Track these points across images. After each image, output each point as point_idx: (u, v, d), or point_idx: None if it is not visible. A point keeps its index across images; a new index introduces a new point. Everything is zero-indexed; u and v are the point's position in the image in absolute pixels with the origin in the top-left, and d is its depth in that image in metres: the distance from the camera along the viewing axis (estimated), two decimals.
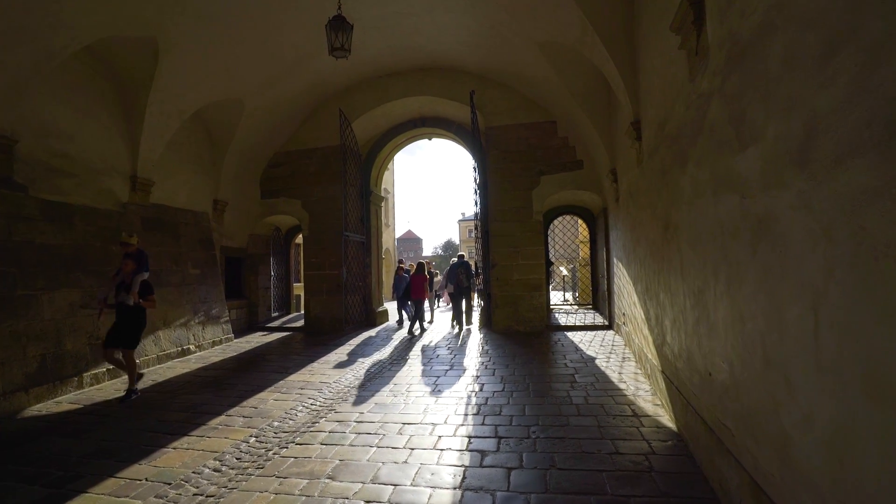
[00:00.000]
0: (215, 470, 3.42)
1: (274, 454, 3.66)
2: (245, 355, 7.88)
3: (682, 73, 3.45)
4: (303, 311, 11.68)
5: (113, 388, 5.89)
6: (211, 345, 8.56)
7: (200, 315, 8.50)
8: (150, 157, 7.54)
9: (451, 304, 10.88)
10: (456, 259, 10.82)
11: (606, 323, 9.22)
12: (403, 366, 6.68)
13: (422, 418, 4.39)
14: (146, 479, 3.27)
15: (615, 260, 8.35)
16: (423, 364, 6.73)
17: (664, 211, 4.20)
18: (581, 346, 7.57)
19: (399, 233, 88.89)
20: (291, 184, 10.85)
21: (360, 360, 7.20)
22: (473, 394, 5.13)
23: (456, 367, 6.46)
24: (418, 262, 10.64)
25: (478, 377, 5.86)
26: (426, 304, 10.68)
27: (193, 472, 3.37)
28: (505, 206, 9.64)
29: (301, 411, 4.71)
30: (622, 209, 7.24)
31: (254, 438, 4.01)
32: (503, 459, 3.40)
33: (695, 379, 3.23)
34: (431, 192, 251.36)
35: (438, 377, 5.93)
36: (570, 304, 12.48)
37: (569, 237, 13.18)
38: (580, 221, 12.12)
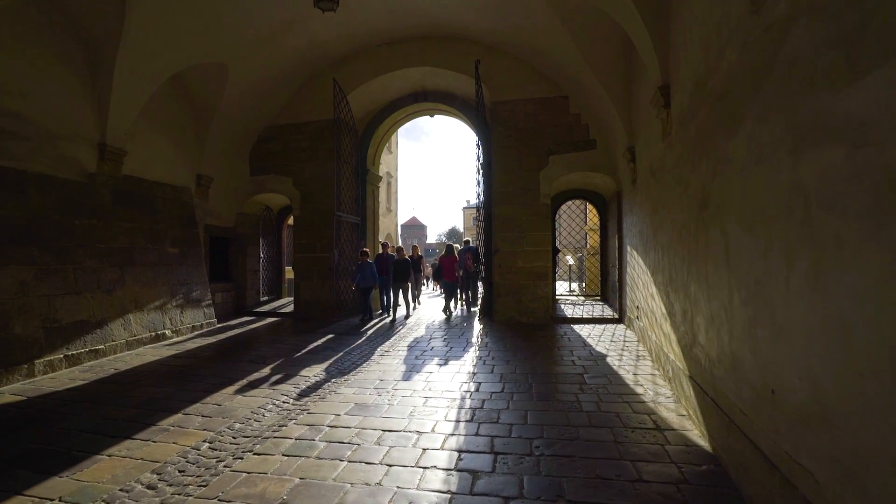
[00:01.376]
0: (149, 487, 2.80)
1: (225, 467, 3.04)
2: (224, 342, 7.29)
3: (738, 9, 2.72)
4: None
5: (69, 376, 5.30)
6: (190, 330, 7.97)
7: (179, 298, 7.89)
8: (121, 124, 6.86)
9: (442, 290, 11.38)
10: (462, 245, 10.22)
11: (616, 316, 8.55)
12: (393, 359, 6.05)
13: (406, 424, 3.76)
14: (59, 500, 2.66)
15: (629, 248, 7.66)
16: (415, 357, 6.11)
17: (700, 187, 3.50)
18: (590, 340, 6.92)
19: (403, 219, 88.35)
20: (282, 160, 10.16)
21: (347, 350, 6.58)
22: (468, 395, 4.49)
23: (451, 362, 5.83)
24: (447, 244, 10.59)
25: (474, 374, 5.23)
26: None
27: (121, 490, 2.75)
28: (510, 187, 8.92)
29: (270, 411, 4.09)
30: (640, 192, 6.52)
31: (207, 445, 3.40)
32: (499, 485, 2.76)
33: (744, 393, 2.57)
34: (436, 179, 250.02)
35: (430, 373, 5.30)
36: (577, 295, 11.79)
37: (576, 224, 12.48)
38: (590, 207, 11.39)
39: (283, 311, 10.28)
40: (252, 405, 4.26)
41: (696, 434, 3.41)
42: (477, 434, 3.53)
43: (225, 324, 8.92)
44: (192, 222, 8.68)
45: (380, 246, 10.66)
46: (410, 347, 6.75)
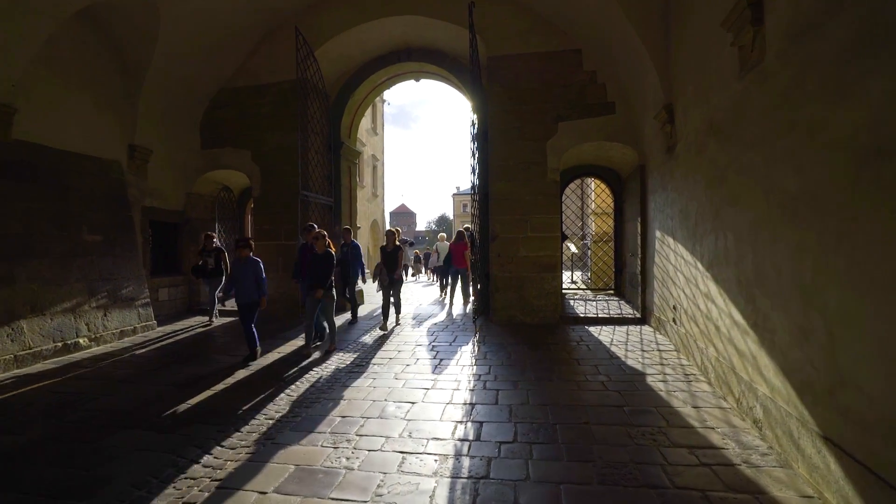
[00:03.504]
0: None
1: None
2: (156, 353, 5.76)
3: None
4: None
5: None
6: (118, 336, 6.42)
7: (102, 296, 6.33)
8: (3, 72, 5.22)
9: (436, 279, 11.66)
10: (463, 229, 8.80)
11: (638, 315, 7.18)
12: (364, 380, 4.60)
13: None
14: None
15: (658, 234, 6.24)
16: (394, 378, 4.66)
17: (865, 124, 2.06)
18: (615, 349, 5.53)
19: (392, 206, 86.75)
20: (239, 130, 8.52)
21: (306, 366, 5.11)
22: (465, 447, 3.07)
23: (440, 384, 4.40)
24: (458, 230, 9.62)
25: (472, 406, 3.80)
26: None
27: None
28: (510, 161, 7.43)
29: (155, 490, 2.62)
30: (683, 161, 5.08)
31: None
32: None
33: None
34: (426, 166, 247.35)
35: (412, 405, 3.86)
36: (584, 289, 10.39)
37: (576, 207, 11.06)
38: (597, 187, 9.94)
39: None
40: (138, 474, 2.78)
41: None
42: None
43: (170, 326, 7.38)
44: (122, 203, 7.06)
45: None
46: (390, 360, 5.30)
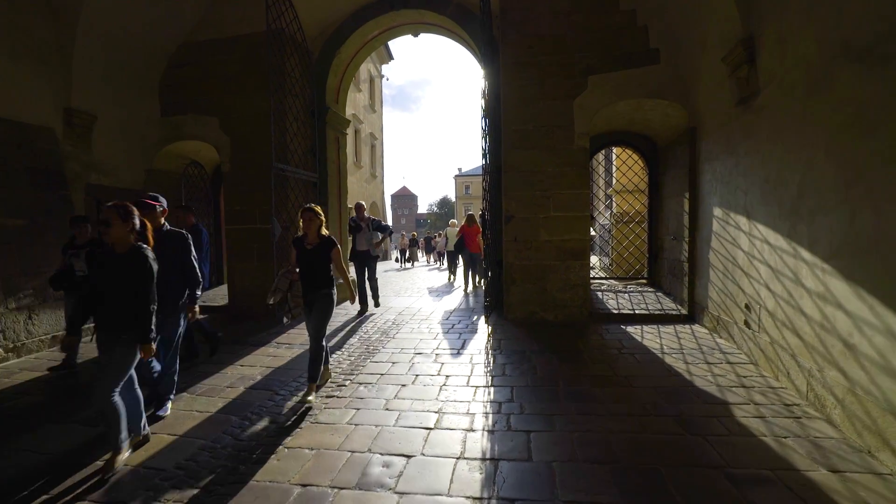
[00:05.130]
0: None
1: None
2: (81, 368, 4.56)
3: None
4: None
5: None
6: (48, 343, 5.23)
7: (25, 294, 5.12)
8: None
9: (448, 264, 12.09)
10: (479, 212, 7.61)
11: (683, 311, 5.93)
12: (343, 412, 3.38)
13: None
14: None
15: (719, 212, 4.95)
16: (384, 408, 3.44)
17: None
18: (670, 361, 4.29)
19: (394, 188, 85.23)
20: (204, 92, 7.18)
21: (265, 391, 3.90)
22: None
23: (447, 420, 3.18)
24: (469, 213, 9.70)
25: (496, 465, 2.58)
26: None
27: None
28: (528, 125, 6.10)
29: None
30: (772, 112, 3.76)
31: None
32: None
33: None
34: (428, 149, 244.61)
35: (407, 462, 2.64)
36: (610, 279, 9.09)
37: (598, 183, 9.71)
38: (621, 158, 8.56)
39: (213, 304, 7.53)
40: None
41: None
42: None
43: None
44: (56, 180, 5.79)
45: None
46: (382, 375, 4.09)
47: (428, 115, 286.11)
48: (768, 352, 3.87)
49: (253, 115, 6.88)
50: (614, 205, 10.63)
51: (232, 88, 7.04)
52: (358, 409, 3.42)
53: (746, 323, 4.33)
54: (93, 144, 6.41)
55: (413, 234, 19.15)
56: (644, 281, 7.74)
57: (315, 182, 7.49)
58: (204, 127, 7.17)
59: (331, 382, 4.01)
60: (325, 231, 3.81)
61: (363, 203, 7.34)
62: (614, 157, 10.34)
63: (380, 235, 7.23)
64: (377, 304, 7.42)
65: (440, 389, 3.78)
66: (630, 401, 3.42)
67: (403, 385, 3.90)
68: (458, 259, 11.71)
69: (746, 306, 4.31)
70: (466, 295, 9.17)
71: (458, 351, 4.88)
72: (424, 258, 22.79)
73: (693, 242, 5.80)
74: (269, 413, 3.38)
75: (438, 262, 20.56)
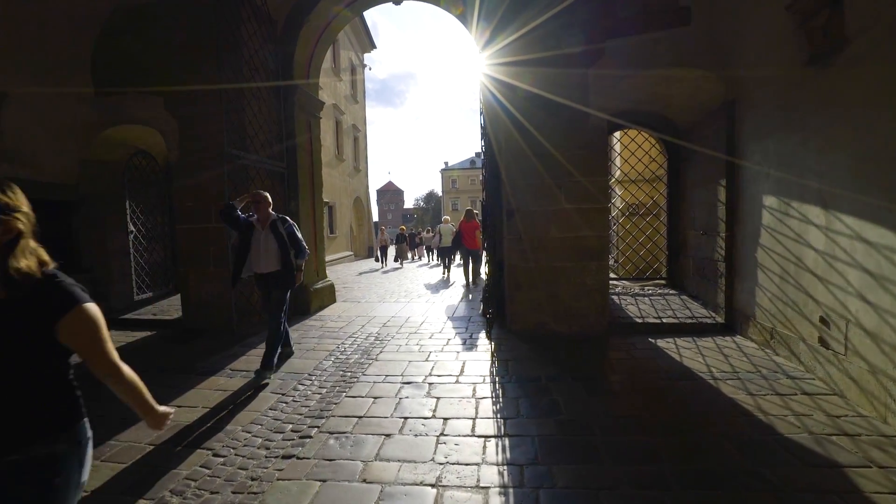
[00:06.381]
0: None
1: None
2: None
3: None
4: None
5: None
6: None
7: None
8: None
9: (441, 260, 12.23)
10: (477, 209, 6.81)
11: (720, 320, 5.03)
12: (302, 488, 2.37)
13: None
14: None
15: (771, 202, 4.05)
16: (361, 479, 2.44)
17: None
18: (729, 390, 3.36)
19: (379, 183, 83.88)
20: (146, 66, 6.03)
21: (203, 452, 2.86)
22: None
23: (446, 502, 2.21)
24: (467, 209, 9.50)
25: None
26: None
27: None
28: (534, 101, 5.11)
29: None
30: (876, 67, 2.83)
31: None
32: None
33: None
34: (414, 144, 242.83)
35: None
36: (622, 279, 8.13)
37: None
38: (643, 141, 7.59)
39: (165, 317, 6.41)
40: None
41: None
42: None
43: None
44: None
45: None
46: (356, 425, 3.08)
47: (413, 110, 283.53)
48: (866, 382, 2.96)
49: (204, 93, 5.75)
50: (618, 196, 9.72)
51: (178, 60, 5.90)
52: (324, 482, 2.42)
53: (822, 341, 3.42)
54: (6, 130, 5.25)
55: (401, 228, 17.68)
56: (662, 281, 6.84)
57: (282, 172, 6.41)
58: (146, 107, 6.02)
59: (292, 431, 3.00)
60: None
61: (266, 194, 4.16)
62: (615, 141, 9.41)
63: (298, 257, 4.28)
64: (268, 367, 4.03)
65: (437, 442, 2.80)
66: (701, 459, 2.48)
67: (388, 435, 2.91)
68: (453, 255, 11.96)
69: (822, 320, 3.40)
70: (467, 287, 9.06)
71: (456, 378, 3.89)
72: (410, 255, 21.76)
73: (732, 238, 4.89)
74: (194, 497, 2.35)
75: (429, 259, 19.92)
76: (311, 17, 6.46)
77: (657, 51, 4.90)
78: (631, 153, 6.54)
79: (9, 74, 5.20)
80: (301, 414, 3.27)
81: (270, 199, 4.22)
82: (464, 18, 6.36)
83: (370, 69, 26.38)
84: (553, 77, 5.02)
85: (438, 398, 3.47)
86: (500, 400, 3.41)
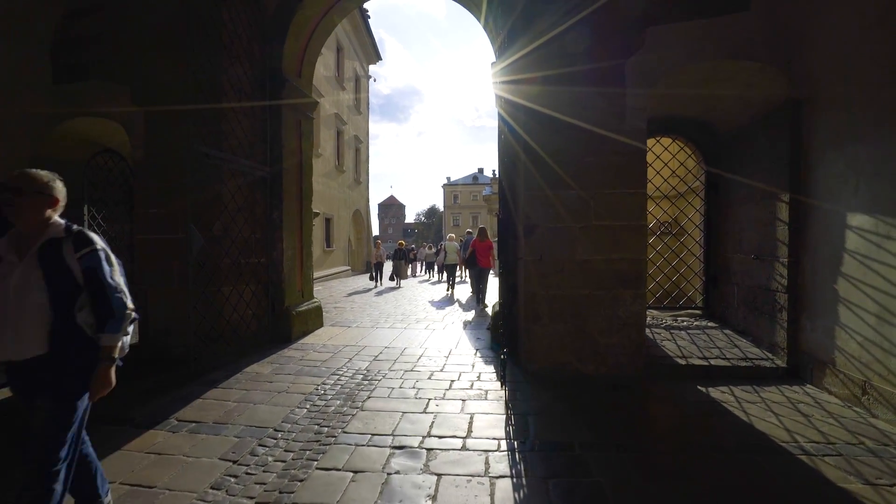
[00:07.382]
0: None
1: None
2: None
3: None
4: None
5: None
6: None
7: None
8: None
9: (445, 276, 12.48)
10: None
11: (779, 363, 4.15)
12: None
13: None
14: None
15: (866, 221, 3.21)
16: None
17: None
18: (834, 476, 2.47)
19: (381, 197, 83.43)
20: (112, 52, 5.27)
21: None
22: None
23: None
24: (480, 227, 9.49)
25: None
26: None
27: None
28: (560, 98, 4.32)
29: None
30: None
31: None
32: None
33: None
34: (418, 159, 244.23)
35: None
36: (651, 307, 7.24)
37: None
38: (677, 150, 6.81)
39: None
40: None
41: None
42: None
43: None
44: None
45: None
46: None
47: (416, 125, 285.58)
48: None
49: (175, 84, 4.96)
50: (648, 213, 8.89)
51: (148, 46, 5.12)
52: None
53: None
54: None
55: (400, 244, 16.11)
56: (698, 311, 5.95)
57: (265, 177, 5.60)
58: (111, 98, 5.23)
59: None
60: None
61: (43, 180, 1.86)
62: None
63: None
64: None
65: None
66: None
67: None
68: (458, 272, 12.20)
69: None
70: (476, 307, 8.62)
71: (462, 442, 3.00)
72: (410, 271, 20.90)
73: (797, 265, 4.04)
74: None
75: (429, 275, 19.68)
76: (304, 4, 5.72)
77: (707, 39, 4.12)
78: (664, 164, 5.73)
79: None
80: (252, 497, 2.38)
81: (56, 193, 1.89)
82: (473, 8, 5.63)
83: (374, 80, 25.94)
84: (581, 72, 4.23)
85: (440, 476, 2.58)
86: (524, 482, 2.52)
